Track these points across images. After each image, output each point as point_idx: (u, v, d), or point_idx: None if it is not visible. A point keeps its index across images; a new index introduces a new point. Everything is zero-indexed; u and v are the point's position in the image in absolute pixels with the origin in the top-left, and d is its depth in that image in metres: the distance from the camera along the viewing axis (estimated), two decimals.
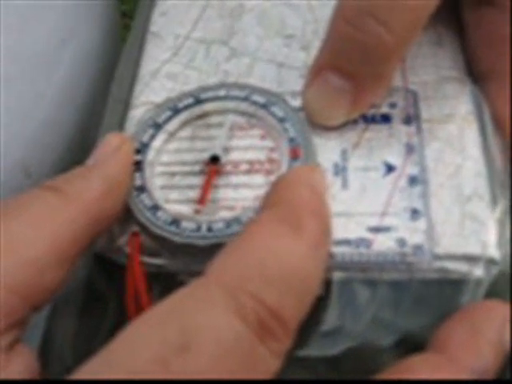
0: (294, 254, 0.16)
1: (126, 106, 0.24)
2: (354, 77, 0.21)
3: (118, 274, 0.21)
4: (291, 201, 0.17)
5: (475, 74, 0.23)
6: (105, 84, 0.32)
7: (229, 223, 0.20)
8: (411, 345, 0.18)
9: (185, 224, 0.20)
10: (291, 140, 0.21)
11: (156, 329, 0.15)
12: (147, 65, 0.25)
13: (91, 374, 0.15)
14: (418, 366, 0.16)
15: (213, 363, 0.14)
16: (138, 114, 0.24)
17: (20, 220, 0.17)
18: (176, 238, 0.20)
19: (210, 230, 0.20)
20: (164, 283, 0.21)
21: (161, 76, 0.25)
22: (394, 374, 0.16)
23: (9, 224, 0.17)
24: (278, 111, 0.22)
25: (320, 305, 0.20)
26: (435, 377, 0.16)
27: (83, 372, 0.15)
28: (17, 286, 0.17)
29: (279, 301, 0.15)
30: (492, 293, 0.19)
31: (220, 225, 0.20)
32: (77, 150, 0.30)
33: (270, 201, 0.17)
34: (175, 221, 0.20)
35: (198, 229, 0.20)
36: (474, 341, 0.16)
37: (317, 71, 0.22)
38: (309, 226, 0.16)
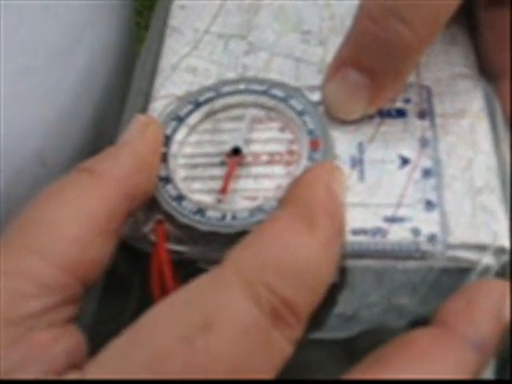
0: (308, 249, 0.17)
1: (147, 98, 0.25)
2: (373, 73, 0.21)
3: (141, 262, 0.22)
4: (307, 199, 0.18)
5: (488, 72, 0.24)
6: (120, 76, 0.32)
7: (252, 212, 0.20)
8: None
9: (210, 213, 0.21)
10: (310, 132, 0.22)
11: (180, 311, 0.16)
12: (167, 58, 0.26)
13: (119, 352, 0.16)
14: (419, 337, 0.17)
15: (233, 342, 0.15)
16: (158, 106, 0.24)
17: (58, 203, 0.18)
18: (201, 227, 0.20)
19: (234, 218, 0.20)
20: (185, 270, 0.21)
21: (181, 69, 0.25)
22: (397, 346, 0.17)
23: (49, 209, 0.18)
24: (297, 104, 0.23)
25: (336, 291, 0.21)
26: (434, 347, 0.17)
27: (111, 349, 0.16)
28: (65, 264, 0.17)
29: (291, 292, 0.16)
30: None
31: (244, 213, 0.20)
32: (93, 140, 0.30)
33: (288, 198, 0.18)
34: (200, 210, 0.21)
35: (223, 217, 0.20)
36: (468, 311, 0.17)
37: (337, 66, 0.22)
38: (322, 225, 0.17)
